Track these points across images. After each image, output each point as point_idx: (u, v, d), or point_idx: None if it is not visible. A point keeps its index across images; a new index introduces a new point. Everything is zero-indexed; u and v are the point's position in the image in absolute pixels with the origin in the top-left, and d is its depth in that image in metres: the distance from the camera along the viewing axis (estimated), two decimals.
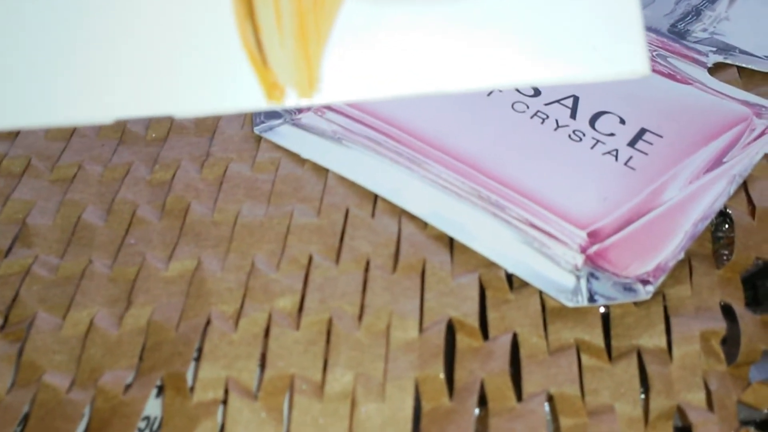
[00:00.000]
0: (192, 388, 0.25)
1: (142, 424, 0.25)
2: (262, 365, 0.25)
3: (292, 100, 0.19)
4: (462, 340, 0.25)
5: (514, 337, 0.25)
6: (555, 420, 0.24)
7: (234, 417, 0.24)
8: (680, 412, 0.24)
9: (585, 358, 0.25)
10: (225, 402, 0.24)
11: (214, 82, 0.19)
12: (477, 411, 0.24)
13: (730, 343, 0.25)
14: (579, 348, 0.25)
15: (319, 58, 0.19)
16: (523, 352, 0.25)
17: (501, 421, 0.24)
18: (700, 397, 0.24)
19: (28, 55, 0.18)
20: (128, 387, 0.25)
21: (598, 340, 0.25)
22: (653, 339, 0.25)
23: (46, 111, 0.19)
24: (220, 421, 0.24)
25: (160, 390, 0.25)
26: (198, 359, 0.25)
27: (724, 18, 0.36)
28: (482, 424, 0.24)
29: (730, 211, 0.29)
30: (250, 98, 0.19)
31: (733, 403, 0.24)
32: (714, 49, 0.35)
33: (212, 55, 0.19)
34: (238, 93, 0.19)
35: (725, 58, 0.34)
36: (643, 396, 0.24)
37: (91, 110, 0.19)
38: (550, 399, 0.24)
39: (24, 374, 0.25)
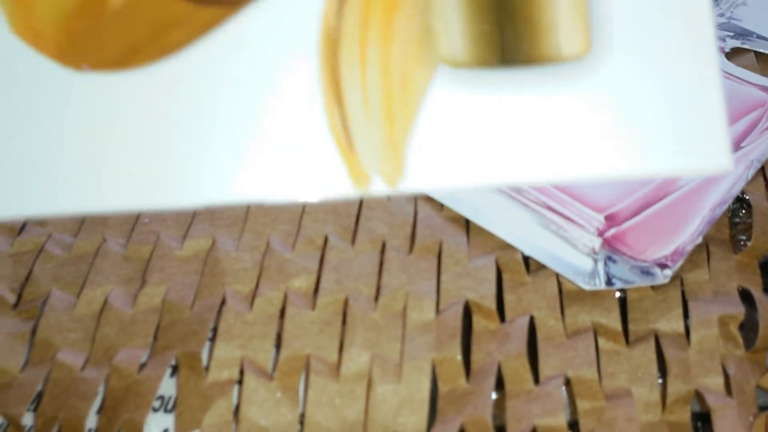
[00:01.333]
0: (207, 368, 0.24)
1: (156, 403, 0.24)
2: (278, 345, 0.25)
3: (378, 187, 0.19)
4: (479, 322, 0.25)
5: (531, 319, 0.25)
6: (572, 403, 0.24)
7: (249, 397, 0.24)
8: (698, 396, 0.24)
9: (602, 342, 0.25)
10: (240, 382, 0.24)
11: (301, 168, 0.19)
12: (494, 393, 0.24)
13: (748, 328, 0.25)
14: (596, 331, 0.25)
15: (404, 144, 0.19)
16: (540, 335, 0.25)
17: (518, 404, 0.23)
18: (718, 381, 0.24)
19: (128, 138, 0.19)
20: (143, 366, 0.25)
21: (616, 323, 0.25)
22: (671, 323, 0.25)
23: (141, 194, 0.19)
24: (235, 401, 0.24)
25: (175, 369, 0.25)
26: (213, 339, 0.25)
27: (741, 3, 0.36)
28: (499, 406, 0.24)
29: (747, 197, 0.29)
30: (337, 185, 0.19)
31: (751, 388, 0.24)
32: (731, 34, 0.34)
33: (300, 142, 0.19)
34: (325, 180, 0.19)
35: (742, 43, 0.34)
36: (660, 380, 0.24)
37: (175, 197, 0.19)
38: (567, 382, 0.24)
39: (38, 352, 0.25)
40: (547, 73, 0.19)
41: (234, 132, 0.19)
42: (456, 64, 0.19)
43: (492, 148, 0.19)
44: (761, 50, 0.34)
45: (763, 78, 0.32)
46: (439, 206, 0.29)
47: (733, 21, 0.35)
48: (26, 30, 0.19)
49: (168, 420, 0.24)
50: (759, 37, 0.34)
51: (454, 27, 0.19)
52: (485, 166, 0.19)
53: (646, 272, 0.26)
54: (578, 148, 0.19)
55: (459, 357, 0.24)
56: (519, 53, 0.19)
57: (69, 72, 0.19)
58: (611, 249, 0.27)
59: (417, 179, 0.19)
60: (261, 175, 0.19)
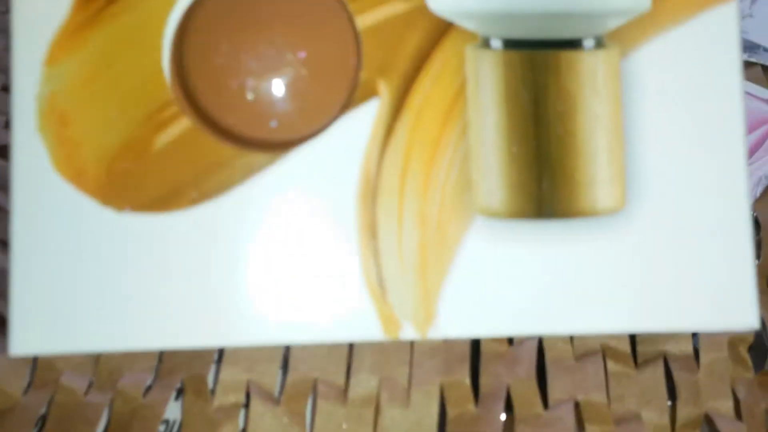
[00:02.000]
0: (213, 391, 0.24)
1: (161, 428, 0.24)
2: (284, 369, 0.25)
3: (407, 334, 0.19)
4: (487, 345, 0.25)
5: (540, 342, 0.25)
6: (581, 427, 0.24)
7: (256, 421, 0.23)
8: (708, 420, 0.24)
9: (611, 364, 0.25)
10: (246, 406, 0.24)
11: (335, 313, 0.19)
12: (503, 417, 0.24)
13: (758, 350, 0.25)
14: (605, 354, 0.25)
15: (437, 294, 0.19)
16: (549, 358, 0.25)
17: (528, 428, 0.23)
18: (728, 405, 0.24)
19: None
20: (148, 389, 0.24)
21: (624, 345, 0.25)
22: (680, 345, 0.25)
23: (181, 334, 0.19)
24: (241, 426, 0.24)
25: (180, 392, 0.25)
26: (219, 362, 0.25)
27: (748, 15, 0.35)
28: (508, 430, 0.24)
29: (756, 214, 0.29)
30: (368, 330, 0.19)
31: (761, 412, 0.24)
32: None
33: (335, 288, 0.19)
34: (357, 325, 0.19)
35: (749, 57, 0.34)
36: (669, 403, 0.24)
37: (221, 337, 0.19)
38: (576, 406, 0.24)
39: (41, 375, 0.25)
40: (582, 227, 0.19)
41: (272, 275, 0.19)
42: (492, 215, 0.19)
43: (522, 298, 0.19)
44: None
45: None
46: None
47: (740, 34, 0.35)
48: (69, 169, 0.19)
49: None
50: (766, 50, 0.34)
51: (492, 179, 0.19)
52: (515, 316, 0.19)
53: None
54: (607, 303, 0.19)
55: (467, 381, 0.24)
56: (555, 206, 0.19)
57: (110, 212, 0.19)
58: None
59: (447, 328, 0.19)
60: (296, 318, 0.19)
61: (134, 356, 0.25)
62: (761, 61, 0.34)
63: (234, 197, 0.20)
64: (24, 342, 0.19)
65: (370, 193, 0.19)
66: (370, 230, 0.19)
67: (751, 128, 0.31)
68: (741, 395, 0.24)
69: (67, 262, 0.19)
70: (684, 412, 0.24)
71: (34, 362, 0.25)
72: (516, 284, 0.19)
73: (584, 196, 0.19)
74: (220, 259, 0.19)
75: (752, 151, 0.30)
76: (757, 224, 0.28)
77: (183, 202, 0.20)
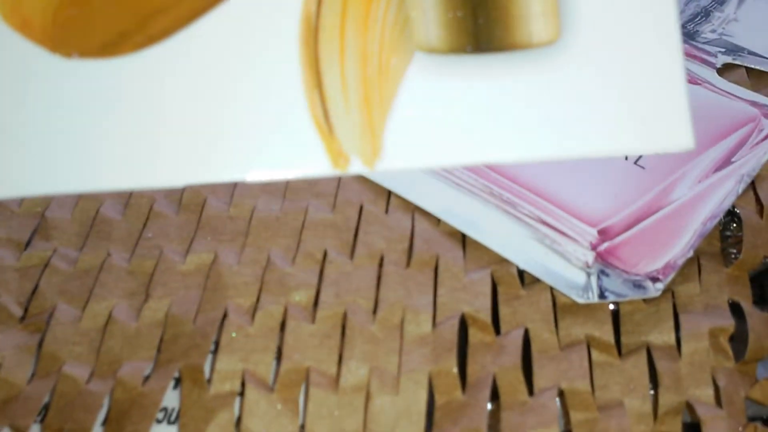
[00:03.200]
0: (209, 380, 0.25)
1: (160, 415, 0.25)
2: (278, 358, 0.25)
3: (356, 167, 0.20)
4: (474, 335, 0.26)
5: (526, 332, 0.26)
6: (566, 414, 0.24)
7: (251, 409, 0.24)
8: (689, 407, 0.24)
9: (595, 354, 0.26)
10: (242, 394, 0.25)
11: (282, 149, 0.20)
12: (489, 405, 0.24)
13: (738, 340, 0.26)
14: (589, 344, 0.26)
15: (382, 128, 0.20)
16: (535, 348, 0.26)
17: (513, 415, 0.24)
18: (709, 393, 0.25)
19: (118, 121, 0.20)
20: (147, 378, 0.25)
21: (608, 336, 0.26)
22: (662, 335, 0.26)
23: (132, 174, 0.20)
24: (237, 413, 0.24)
25: (178, 382, 0.25)
26: (215, 352, 0.26)
27: (733, 19, 0.36)
28: (494, 417, 0.24)
29: (738, 210, 0.29)
30: (317, 165, 0.20)
31: (741, 399, 0.24)
32: (723, 50, 0.35)
33: (281, 124, 0.20)
34: (305, 160, 0.20)
35: (734, 59, 0.35)
36: (652, 392, 0.25)
37: (164, 176, 0.20)
38: (561, 394, 0.25)
39: (44, 365, 0.26)
40: (518, 59, 0.20)
41: (216, 114, 0.20)
42: (431, 51, 0.20)
43: (463, 129, 0.20)
44: (752, 66, 0.35)
45: (754, 93, 0.33)
46: (436, 221, 0.29)
47: (724, 37, 0.36)
48: (16, 18, 0.20)
49: (171, 431, 0.25)
50: (750, 53, 0.35)
51: (429, 15, 0.20)
52: (456, 147, 0.20)
53: (638, 286, 0.27)
54: (546, 130, 0.20)
55: (455, 369, 0.25)
56: (492, 40, 0.20)
57: (58, 59, 0.20)
58: (604, 263, 0.27)
59: (393, 159, 0.20)
60: (242, 156, 0.20)
61: (134, 346, 0.26)
62: (745, 64, 0.35)
63: (179, 41, 0.20)
64: None
65: (311, 32, 0.20)
66: (314, 68, 0.20)
67: (734, 128, 0.32)
68: (721, 383, 0.25)
69: (18, 110, 0.20)
70: (666, 399, 0.24)
71: (38, 353, 0.26)
72: (457, 116, 0.20)
73: (519, 29, 0.20)
74: (168, 102, 0.20)
75: (735, 150, 0.31)
76: (739, 220, 0.29)
77: (129, 46, 0.20)
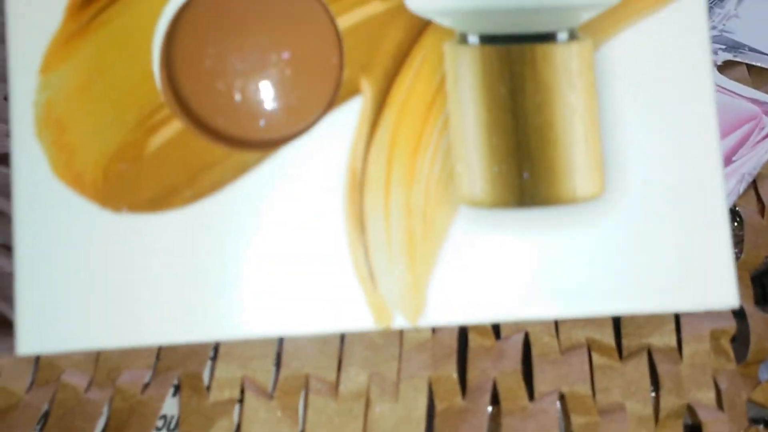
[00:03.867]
0: (208, 388, 0.25)
1: (159, 423, 0.25)
2: (278, 365, 0.25)
3: (398, 323, 0.20)
4: (474, 340, 0.26)
5: (526, 336, 0.26)
6: (566, 418, 0.24)
7: (250, 416, 0.24)
8: (690, 410, 0.24)
9: (596, 357, 0.25)
10: (241, 401, 0.24)
11: (326, 303, 0.20)
12: (489, 410, 0.24)
13: (740, 341, 0.26)
14: (590, 347, 0.26)
15: (426, 284, 0.20)
16: (535, 352, 0.25)
17: (513, 420, 0.24)
18: (710, 395, 0.24)
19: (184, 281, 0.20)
20: (146, 386, 0.25)
21: (609, 339, 0.26)
22: (663, 338, 0.26)
23: (180, 327, 0.20)
24: (236, 420, 0.24)
25: (177, 389, 0.25)
26: (214, 359, 0.25)
27: (734, 15, 0.36)
28: (495, 422, 0.24)
29: (739, 210, 0.29)
30: (360, 320, 0.20)
31: (742, 402, 0.24)
32: (723, 47, 0.35)
33: (326, 277, 0.20)
34: (349, 316, 0.20)
35: (735, 56, 0.34)
36: (653, 394, 0.25)
37: (216, 330, 0.20)
38: (562, 398, 0.24)
39: (43, 373, 0.26)
40: (562, 214, 0.20)
41: (265, 269, 0.20)
42: (476, 205, 0.20)
43: (507, 285, 0.20)
44: (753, 63, 0.34)
45: (755, 91, 0.33)
46: None
47: (725, 34, 0.36)
48: (68, 173, 0.20)
49: None
50: (751, 49, 0.35)
51: (474, 169, 0.20)
52: (500, 302, 0.20)
53: None
54: (589, 286, 0.20)
55: (455, 375, 0.25)
56: (536, 195, 0.20)
57: (108, 213, 0.20)
58: None
59: (437, 315, 0.20)
60: (289, 310, 0.20)
61: (132, 354, 0.26)
62: (746, 61, 0.34)
63: (226, 195, 0.20)
64: (30, 342, 0.20)
65: (357, 187, 0.20)
66: (359, 223, 0.20)
67: (735, 126, 0.31)
68: (723, 386, 0.25)
69: (68, 263, 0.20)
70: (667, 402, 0.24)
71: (37, 361, 0.26)
72: (501, 271, 0.20)
73: (564, 184, 0.20)
74: (215, 255, 0.20)
75: (736, 148, 0.30)
76: (740, 220, 0.29)
77: (178, 201, 0.20)
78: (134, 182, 0.20)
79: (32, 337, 0.20)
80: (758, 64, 0.34)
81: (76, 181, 0.20)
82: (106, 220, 0.20)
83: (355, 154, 0.20)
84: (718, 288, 0.20)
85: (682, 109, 0.21)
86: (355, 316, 0.20)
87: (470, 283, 0.20)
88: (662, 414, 0.24)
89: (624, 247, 0.20)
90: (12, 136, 0.20)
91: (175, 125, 0.20)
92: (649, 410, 0.24)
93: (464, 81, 0.20)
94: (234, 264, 0.20)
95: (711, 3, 0.37)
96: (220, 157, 0.20)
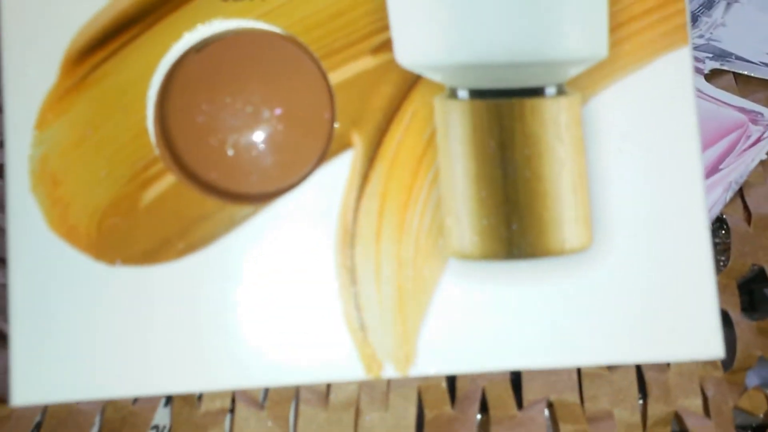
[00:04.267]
0: (200, 398, 0.25)
1: None
2: None
3: (388, 373, 0.20)
4: None
5: None
6: (555, 426, 0.25)
7: (241, 426, 0.24)
8: (677, 418, 0.24)
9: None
10: (232, 411, 0.25)
11: (317, 354, 0.20)
12: (478, 418, 0.24)
13: (727, 349, 0.26)
14: None
15: (416, 335, 0.20)
16: None
17: (502, 429, 0.24)
18: (697, 403, 0.25)
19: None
20: (137, 397, 0.25)
21: None
22: None
23: (168, 379, 0.21)
24: (227, 430, 0.24)
25: (169, 400, 0.25)
26: None
27: (721, 24, 0.36)
28: (484, 431, 0.24)
29: (726, 218, 0.29)
30: (350, 371, 0.20)
31: (729, 409, 0.25)
32: (710, 55, 0.35)
33: (316, 329, 0.21)
34: (340, 366, 0.20)
35: (722, 65, 0.35)
36: (641, 402, 0.25)
37: (207, 381, 0.21)
38: (550, 406, 0.25)
39: None
40: (551, 266, 0.20)
41: (257, 321, 0.21)
42: (465, 257, 0.20)
43: (496, 335, 0.21)
44: (740, 71, 0.35)
45: (742, 99, 0.33)
46: None
47: (712, 42, 0.36)
48: (63, 227, 0.21)
49: None
50: (738, 58, 0.35)
51: (463, 222, 0.20)
52: (489, 353, 0.21)
53: None
54: (577, 337, 0.21)
55: (444, 384, 0.25)
56: (525, 247, 0.20)
57: (102, 266, 0.21)
58: None
59: (426, 366, 0.20)
60: (281, 361, 0.20)
61: None
62: (733, 69, 0.35)
63: (219, 248, 0.21)
64: (25, 392, 0.21)
65: (348, 240, 0.20)
66: (350, 275, 0.20)
67: (722, 135, 0.32)
68: (710, 393, 0.25)
69: (62, 315, 0.21)
70: (655, 410, 0.25)
71: None
72: (490, 322, 0.20)
73: (552, 236, 0.20)
74: (207, 307, 0.21)
75: (723, 156, 0.31)
76: (727, 227, 0.29)
77: (171, 254, 0.21)
78: (128, 235, 0.21)
79: (27, 388, 0.20)
80: (745, 73, 0.34)
81: (71, 234, 0.21)
82: (101, 272, 0.21)
83: (347, 206, 0.21)
84: (704, 339, 0.21)
85: (668, 163, 0.21)
86: (346, 366, 0.20)
87: (460, 334, 0.20)
88: (650, 421, 0.24)
89: (610, 299, 0.21)
90: (8, 191, 0.21)
91: (169, 179, 0.21)
92: (637, 417, 0.24)
93: (454, 135, 0.21)
94: (226, 315, 0.20)
95: (698, 12, 0.37)
96: (212, 211, 0.21)
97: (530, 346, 0.20)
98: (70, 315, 0.20)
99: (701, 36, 0.36)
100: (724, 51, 0.35)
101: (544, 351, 0.20)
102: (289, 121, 0.21)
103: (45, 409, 0.25)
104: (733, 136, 0.32)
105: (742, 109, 0.32)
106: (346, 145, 0.21)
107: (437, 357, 0.20)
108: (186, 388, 0.20)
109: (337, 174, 0.21)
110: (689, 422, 0.24)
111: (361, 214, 0.20)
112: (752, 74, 0.34)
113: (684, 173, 0.21)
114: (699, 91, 0.33)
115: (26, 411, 0.25)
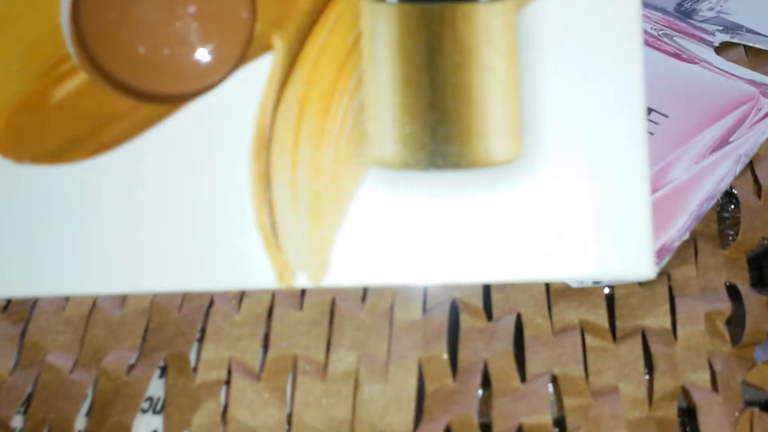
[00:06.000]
0: (195, 369, 0.25)
1: (145, 405, 0.25)
2: (265, 346, 0.25)
3: (300, 282, 0.19)
4: (466, 321, 0.25)
5: (518, 317, 0.25)
6: (559, 400, 0.24)
7: (237, 397, 0.24)
8: (685, 392, 0.24)
9: (589, 339, 0.25)
10: (228, 383, 0.24)
11: (227, 260, 0.19)
12: (480, 391, 0.24)
13: (735, 323, 0.25)
14: (583, 328, 0.25)
15: (331, 243, 0.19)
16: (527, 333, 0.25)
17: (504, 402, 0.24)
18: (705, 377, 0.24)
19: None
20: (131, 367, 0.25)
21: (603, 320, 0.25)
22: (658, 319, 0.25)
23: (73, 279, 0.20)
24: (223, 402, 0.24)
25: (163, 371, 0.25)
26: (201, 340, 0.25)
27: None
28: (486, 404, 0.24)
29: (736, 191, 0.29)
30: (262, 278, 0.19)
31: (737, 384, 0.24)
32: (721, 28, 0.34)
33: (228, 234, 0.19)
34: (250, 273, 0.19)
35: (732, 38, 0.34)
36: (647, 376, 0.24)
37: (104, 283, 0.20)
38: (554, 379, 0.24)
39: (27, 355, 0.25)
40: (475, 177, 0.19)
41: (167, 224, 0.20)
42: (386, 166, 0.19)
43: (414, 248, 0.19)
44: (751, 44, 0.34)
45: (752, 72, 0.32)
46: None
47: (722, 15, 0.35)
48: None
49: (157, 421, 0.24)
50: (748, 30, 0.34)
51: (386, 130, 0.19)
52: (405, 265, 0.19)
53: None
54: (500, 251, 0.19)
55: (445, 356, 0.24)
56: (450, 157, 0.19)
57: (9, 164, 0.20)
58: None
59: (340, 275, 0.19)
60: (189, 266, 0.19)
61: (118, 335, 0.25)
62: (743, 42, 0.34)
63: (130, 149, 0.20)
64: None
65: (264, 144, 0.20)
66: (265, 180, 0.19)
67: (732, 107, 0.31)
68: (717, 368, 0.24)
69: None
70: (661, 384, 0.24)
71: (21, 342, 0.26)
72: (409, 234, 0.19)
73: (478, 146, 0.19)
74: (117, 209, 0.20)
75: (733, 129, 0.30)
76: (736, 201, 0.29)
77: (81, 153, 0.20)
78: (37, 133, 0.20)
79: None
80: (756, 45, 0.34)
81: None
82: (7, 170, 0.20)
83: (264, 110, 0.20)
84: (635, 257, 0.19)
85: (606, 72, 0.20)
86: (257, 273, 0.19)
87: (376, 244, 0.19)
88: (656, 396, 0.24)
89: (537, 213, 0.19)
90: None
91: (81, 77, 0.20)
92: (642, 392, 0.24)
93: (381, 39, 0.19)
94: (135, 218, 0.19)
95: None
96: (125, 111, 0.20)
97: (448, 260, 0.19)
98: None
99: (711, 9, 0.36)
100: (734, 24, 0.35)
101: (464, 265, 0.19)
102: (204, 19, 0.20)
103: (36, 380, 0.25)
104: (743, 109, 0.31)
105: (752, 82, 0.32)
106: (266, 48, 0.20)
107: (352, 267, 0.19)
108: (84, 290, 0.20)
109: (255, 77, 0.20)
110: (697, 397, 0.24)
111: (279, 118, 0.20)
112: (763, 47, 0.34)
113: (623, 83, 0.20)
114: (709, 63, 0.33)
115: (17, 382, 0.25)
